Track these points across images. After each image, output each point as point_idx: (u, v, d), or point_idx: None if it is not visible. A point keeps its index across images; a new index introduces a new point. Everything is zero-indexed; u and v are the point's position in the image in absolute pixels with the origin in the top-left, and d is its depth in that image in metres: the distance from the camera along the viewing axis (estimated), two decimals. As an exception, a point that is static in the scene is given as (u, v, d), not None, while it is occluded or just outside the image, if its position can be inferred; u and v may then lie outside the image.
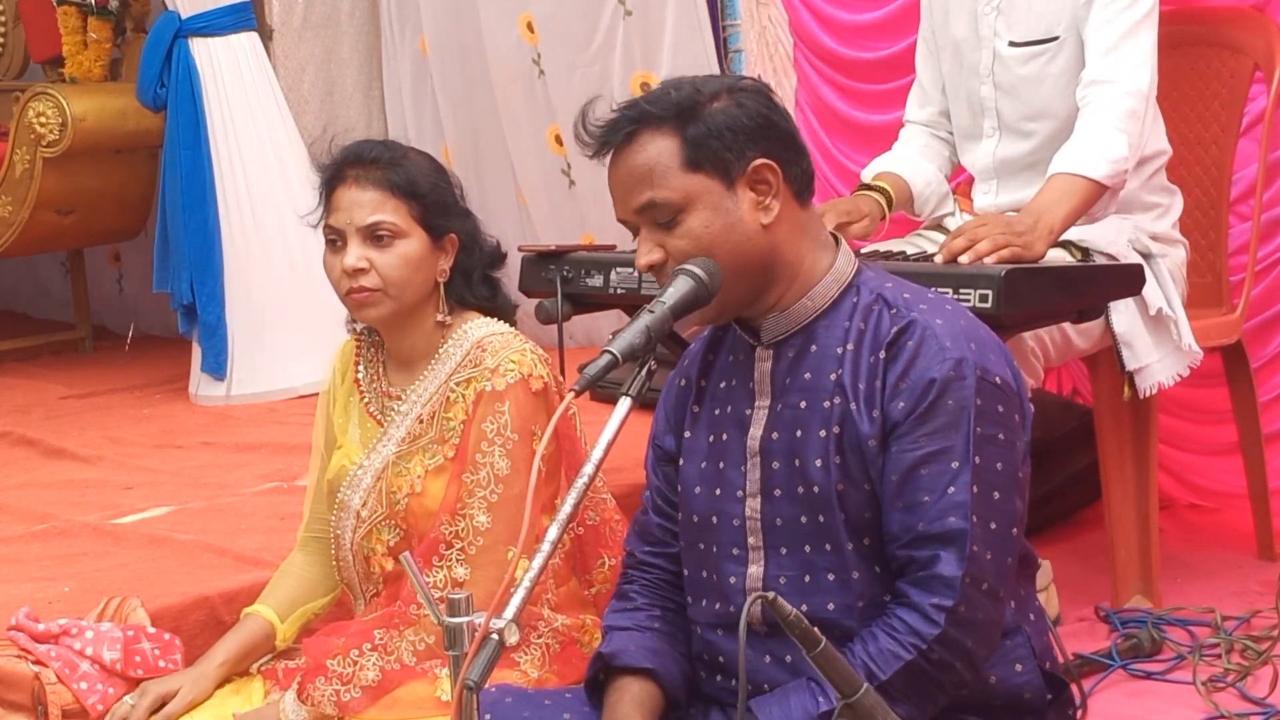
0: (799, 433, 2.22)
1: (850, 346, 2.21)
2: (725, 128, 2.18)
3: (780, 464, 2.23)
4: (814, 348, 2.24)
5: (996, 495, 2.15)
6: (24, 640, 2.77)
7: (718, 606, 2.30)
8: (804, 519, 2.21)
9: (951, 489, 2.12)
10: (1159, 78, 3.41)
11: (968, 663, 2.13)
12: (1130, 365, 3.41)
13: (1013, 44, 3.50)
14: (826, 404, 2.20)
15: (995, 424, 2.15)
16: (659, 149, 2.19)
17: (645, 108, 2.21)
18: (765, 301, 2.25)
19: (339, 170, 2.68)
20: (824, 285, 2.25)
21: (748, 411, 2.29)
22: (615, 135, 2.22)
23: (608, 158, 2.25)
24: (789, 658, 2.21)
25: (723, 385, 2.34)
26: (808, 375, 2.23)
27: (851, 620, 2.19)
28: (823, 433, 2.20)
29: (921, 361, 2.15)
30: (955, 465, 2.13)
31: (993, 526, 2.14)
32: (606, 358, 2.07)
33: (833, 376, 2.21)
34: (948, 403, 2.13)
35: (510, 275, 2.87)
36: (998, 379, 2.17)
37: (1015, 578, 2.22)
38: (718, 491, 2.30)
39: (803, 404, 2.23)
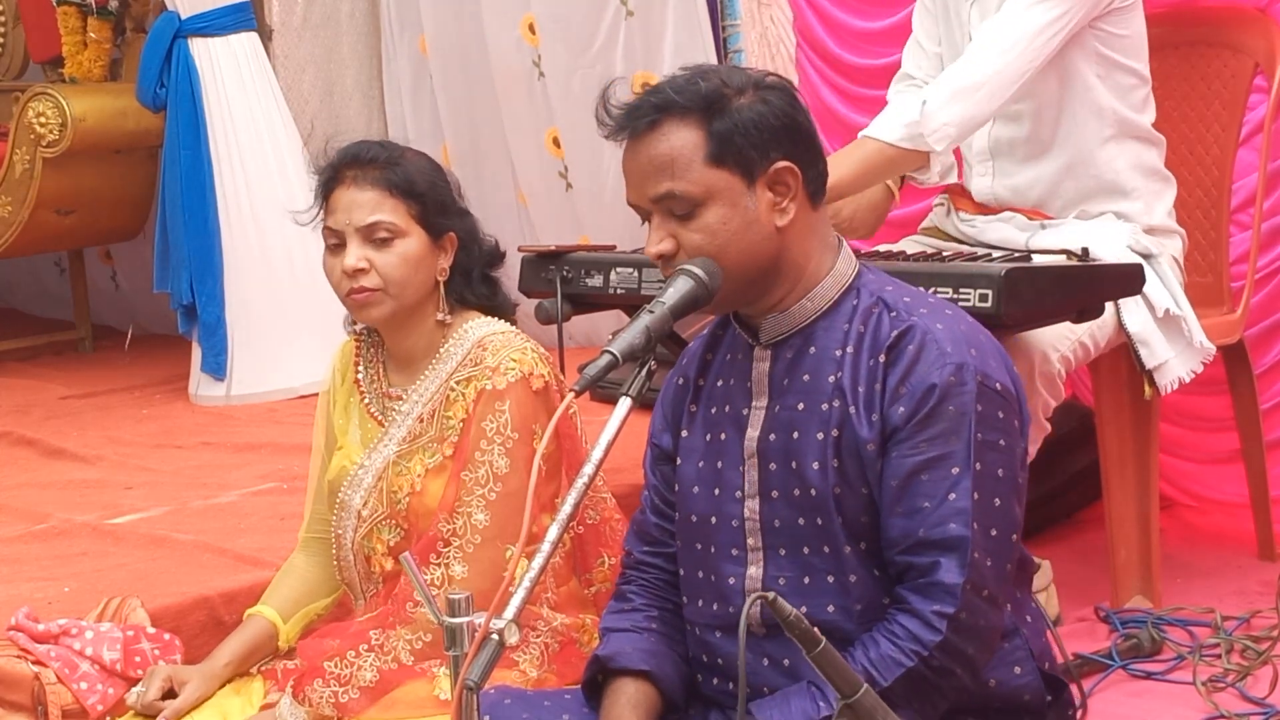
0: (796, 435, 2.22)
1: (850, 349, 2.20)
2: (751, 125, 2.17)
3: (777, 466, 2.23)
4: (812, 349, 2.23)
5: (997, 501, 2.14)
6: (24, 640, 2.77)
7: (715, 607, 2.29)
8: (802, 521, 2.21)
9: (952, 495, 2.12)
10: (1160, 77, 3.39)
11: (968, 669, 2.13)
12: (1150, 363, 3.38)
13: None
14: (825, 406, 2.20)
15: (996, 430, 2.15)
16: (683, 140, 2.17)
17: (671, 95, 2.18)
18: (766, 301, 2.25)
19: (337, 171, 2.68)
20: (824, 287, 2.24)
21: (745, 412, 2.28)
22: (638, 120, 2.19)
23: (621, 144, 2.21)
24: (787, 661, 2.20)
25: (720, 384, 2.33)
26: (806, 377, 2.23)
27: (850, 623, 2.18)
28: (820, 435, 2.19)
29: (921, 366, 2.15)
30: (956, 471, 2.12)
31: (993, 533, 2.13)
32: (606, 358, 2.06)
33: (831, 379, 2.20)
34: (948, 408, 2.13)
35: (510, 276, 2.87)
36: (998, 385, 2.17)
37: (1013, 581, 2.22)
38: (716, 491, 2.29)
39: (800, 406, 2.22)
